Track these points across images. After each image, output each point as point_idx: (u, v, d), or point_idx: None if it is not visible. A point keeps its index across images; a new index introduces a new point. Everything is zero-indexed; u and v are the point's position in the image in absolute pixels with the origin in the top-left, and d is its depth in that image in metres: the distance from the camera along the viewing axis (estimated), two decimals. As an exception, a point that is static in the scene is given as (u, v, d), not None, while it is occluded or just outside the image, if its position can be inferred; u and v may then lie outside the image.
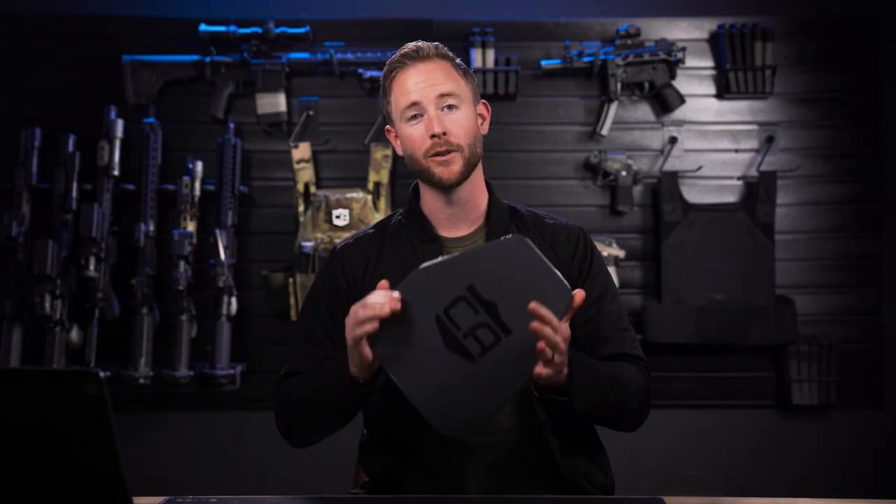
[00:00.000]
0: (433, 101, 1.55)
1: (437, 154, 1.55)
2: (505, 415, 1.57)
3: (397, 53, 1.61)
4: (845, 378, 3.13)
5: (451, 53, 1.63)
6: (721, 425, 3.19)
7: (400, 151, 1.64)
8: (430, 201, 1.62)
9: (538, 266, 1.32)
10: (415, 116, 1.57)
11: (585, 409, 1.46)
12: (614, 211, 3.16)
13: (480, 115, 1.64)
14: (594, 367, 1.50)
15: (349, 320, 1.38)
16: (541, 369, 1.33)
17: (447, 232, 1.63)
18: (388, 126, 1.66)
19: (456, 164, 1.55)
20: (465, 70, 1.62)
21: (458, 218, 1.62)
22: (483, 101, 1.67)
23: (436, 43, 1.62)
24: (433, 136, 1.54)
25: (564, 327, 1.32)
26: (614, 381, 1.51)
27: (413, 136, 1.57)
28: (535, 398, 1.55)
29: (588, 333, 1.59)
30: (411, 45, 1.60)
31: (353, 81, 3.15)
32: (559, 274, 1.33)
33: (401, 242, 1.64)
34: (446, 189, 1.58)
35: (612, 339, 1.59)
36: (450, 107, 1.56)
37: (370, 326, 1.34)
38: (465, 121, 1.57)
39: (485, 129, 1.65)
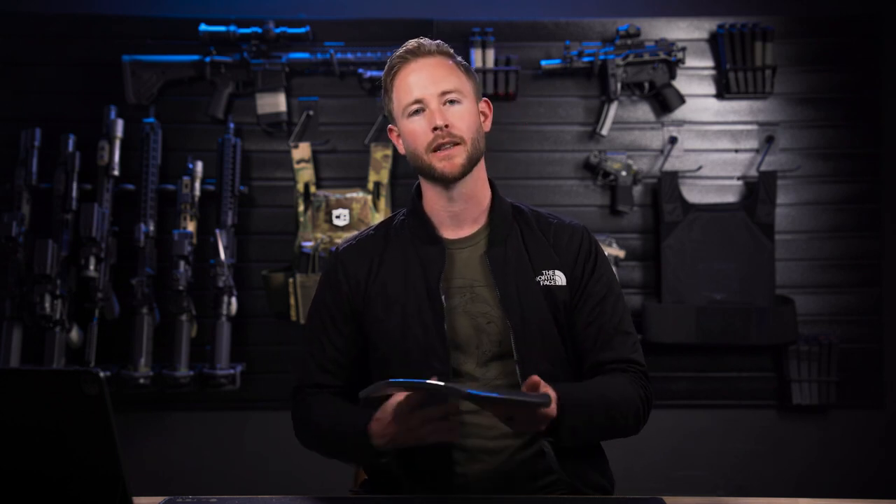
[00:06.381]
0: (435, 97, 1.56)
1: (440, 148, 1.55)
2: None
3: (399, 50, 1.61)
4: (845, 378, 3.13)
5: (451, 51, 1.63)
6: (721, 425, 3.18)
7: (402, 150, 1.63)
8: (433, 199, 1.62)
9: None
10: (417, 112, 1.57)
11: (572, 443, 1.47)
12: (614, 211, 3.16)
13: (483, 113, 1.64)
14: (580, 400, 1.47)
15: (407, 420, 1.40)
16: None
17: (450, 233, 1.63)
18: (389, 126, 1.66)
19: (458, 158, 1.56)
20: (467, 68, 1.62)
21: (461, 216, 1.62)
22: (485, 98, 1.67)
23: (437, 41, 1.61)
24: (435, 128, 1.54)
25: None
26: (603, 403, 1.50)
27: (415, 130, 1.57)
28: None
29: (590, 335, 1.60)
30: (413, 42, 1.60)
31: (353, 81, 3.15)
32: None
33: (404, 244, 1.63)
34: (448, 183, 1.57)
35: (613, 343, 1.59)
36: (452, 101, 1.56)
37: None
38: (467, 115, 1.57)
39: (487, 126, 1.65)
